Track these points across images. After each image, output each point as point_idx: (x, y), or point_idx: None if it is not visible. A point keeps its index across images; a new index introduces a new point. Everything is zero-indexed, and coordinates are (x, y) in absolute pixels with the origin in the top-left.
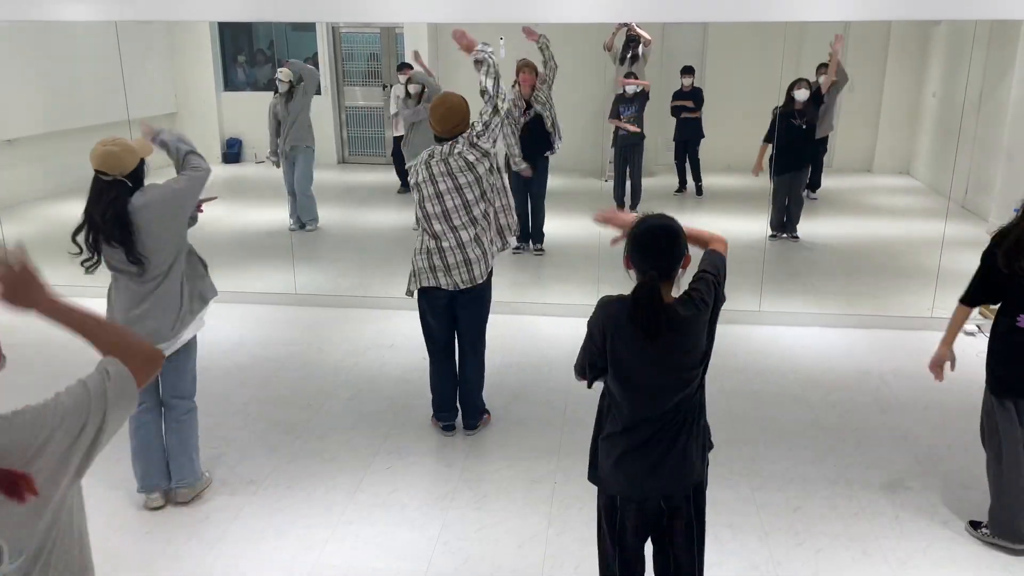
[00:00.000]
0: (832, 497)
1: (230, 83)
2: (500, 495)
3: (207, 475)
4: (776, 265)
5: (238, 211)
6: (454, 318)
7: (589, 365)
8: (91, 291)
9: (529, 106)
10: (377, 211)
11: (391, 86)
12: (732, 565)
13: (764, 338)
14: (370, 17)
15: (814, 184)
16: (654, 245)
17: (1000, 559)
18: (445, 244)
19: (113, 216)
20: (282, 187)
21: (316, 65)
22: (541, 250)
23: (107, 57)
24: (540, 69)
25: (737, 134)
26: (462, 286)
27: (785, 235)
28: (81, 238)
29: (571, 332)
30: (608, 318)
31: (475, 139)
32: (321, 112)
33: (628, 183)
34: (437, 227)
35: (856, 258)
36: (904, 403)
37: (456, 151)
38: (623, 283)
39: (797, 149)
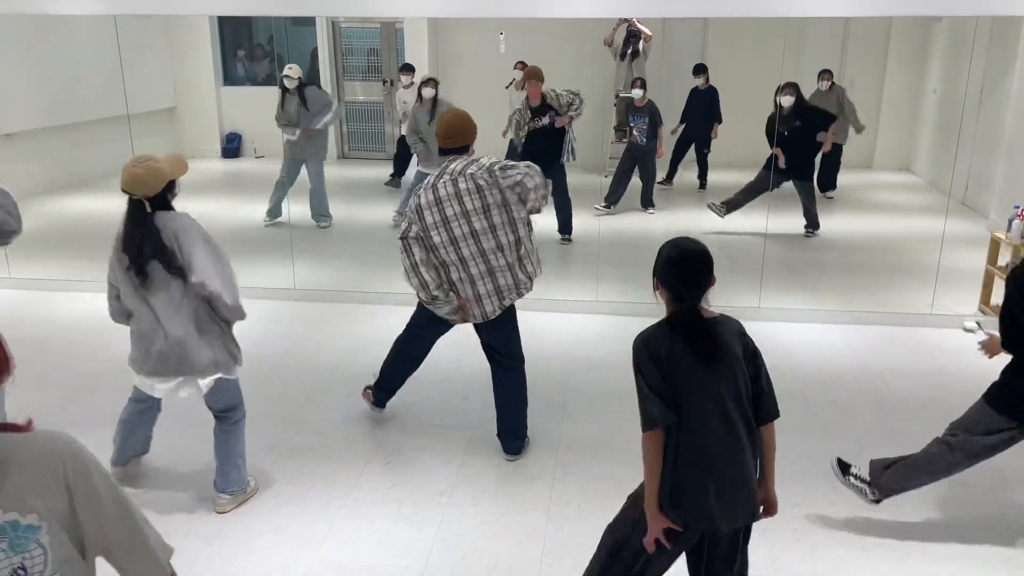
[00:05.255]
0: (830, 494)
1: (229, 78)
2: (498, 491)
3: (253, 484)
4: (776, 261)
5: (237, 206)
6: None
7: (660, 409)
8: (86, 286)
9: (535, 115)
10: (377, 206)
11: (390, 82)
12: None
13: (763, 334)
14: (370, 12)
15: (829, 185)
16: (694, 274)
17: (998, 554)
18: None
19: (141, 237)
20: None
21: (315, 60)
22: (568, 239)
23: (106, 51)
24: (570, 113)
25: (738, 130)
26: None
27: (807, 232)
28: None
29: (570, 328)
30: (660, 350)
31: (497, 169)
32: None
33: (641, 185)
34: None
35: (856, 254)
36: (903, 400)
37: (469, 172)
38: (621, 278)
39: (787, 154)
